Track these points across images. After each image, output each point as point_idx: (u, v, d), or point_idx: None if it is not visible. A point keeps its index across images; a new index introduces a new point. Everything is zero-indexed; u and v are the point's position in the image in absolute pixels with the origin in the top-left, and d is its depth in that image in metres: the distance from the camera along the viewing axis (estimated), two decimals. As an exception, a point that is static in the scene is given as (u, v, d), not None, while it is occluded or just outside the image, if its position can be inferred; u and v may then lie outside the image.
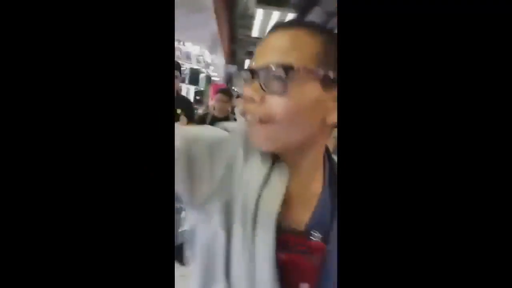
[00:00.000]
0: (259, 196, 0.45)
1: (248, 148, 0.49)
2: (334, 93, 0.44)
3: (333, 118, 0.46)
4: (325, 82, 0.44)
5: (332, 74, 0.44)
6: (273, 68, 0.42)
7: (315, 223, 0.47)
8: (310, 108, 0.44)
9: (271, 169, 0.48)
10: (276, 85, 0.42)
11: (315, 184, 0.50)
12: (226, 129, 0.51)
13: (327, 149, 0.54)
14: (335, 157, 0.56)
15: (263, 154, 0.49)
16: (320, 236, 0.46)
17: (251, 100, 0.44)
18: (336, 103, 0.44)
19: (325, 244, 0.46)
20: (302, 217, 0.47)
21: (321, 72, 0.43)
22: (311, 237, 0.46)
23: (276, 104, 0.43)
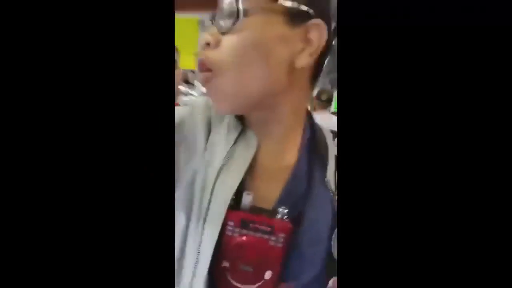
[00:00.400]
0: (219, 173, 0.39)
1: (210, 122, 0.43)
2: (303, 30, 0.35)
3: (303, 61, 0.36)
4: (292, 17, 0.34)
5: (304, 7, 0.34)
6: (226, 2, 0.34)
7: (285, 200, 0.39)
8: (269, 47, 0.36)
9: (236, 140, 0.41)
10: (228, 21, 0.35)
11: (289, 154, 0.41)
12: (187, 105, 0.46)
13: (307, 112, 0.43)
14: (317, 120, 0.44)
15: (230, 125, 0.42)
16: (285, 212, 0.38)
17: (207, 46, 0.37)
18: (307, 45, 0.35)
19: (294, 223, 0.38)
20: (271, 193, 0.40)
21: (288, 2, 0.34)
22: (277, 214, 0.38)
23: (228, 43, 0.36)
